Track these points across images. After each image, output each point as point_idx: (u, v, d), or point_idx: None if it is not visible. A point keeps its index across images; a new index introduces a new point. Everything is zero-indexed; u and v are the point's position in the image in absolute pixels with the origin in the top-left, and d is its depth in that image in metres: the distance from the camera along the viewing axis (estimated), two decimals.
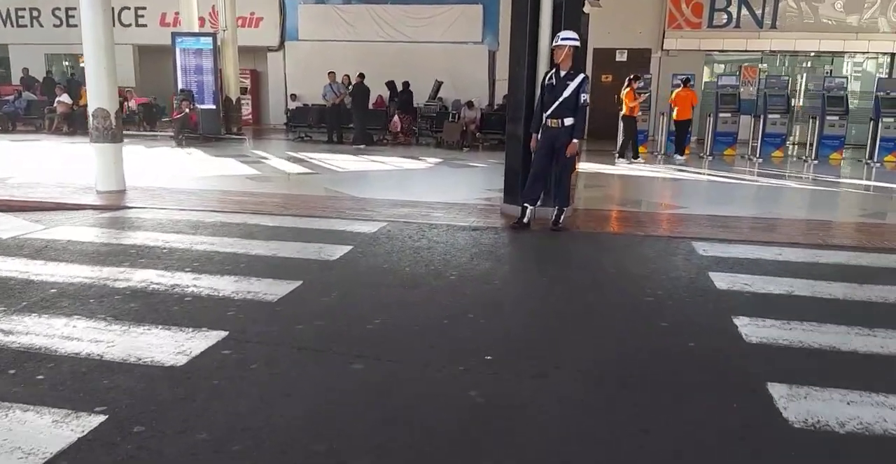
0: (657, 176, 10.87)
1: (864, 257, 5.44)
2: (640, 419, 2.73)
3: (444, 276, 4.70)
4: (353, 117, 14.66)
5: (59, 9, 19.58)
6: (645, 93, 13.65)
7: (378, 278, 4.61)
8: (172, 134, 14.32)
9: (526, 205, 6.32)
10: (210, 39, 14.74)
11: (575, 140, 6.08)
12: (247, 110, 18.47)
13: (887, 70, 16.79)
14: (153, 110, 17.08)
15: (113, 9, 18.43)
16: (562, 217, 6.29)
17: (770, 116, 13.48)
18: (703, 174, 11.25)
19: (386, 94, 16.59)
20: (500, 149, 12.92)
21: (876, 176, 11.41)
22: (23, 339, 3.42)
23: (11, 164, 10.37)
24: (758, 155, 13.24)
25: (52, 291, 4.20)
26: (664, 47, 16.97)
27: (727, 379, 3.13)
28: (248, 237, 5.68)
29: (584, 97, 6.00)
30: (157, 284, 4.35)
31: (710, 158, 13.39)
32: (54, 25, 19.89)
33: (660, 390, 3.00)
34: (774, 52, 17.10)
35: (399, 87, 16.15)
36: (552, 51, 6.19)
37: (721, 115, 13.81)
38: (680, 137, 13.10)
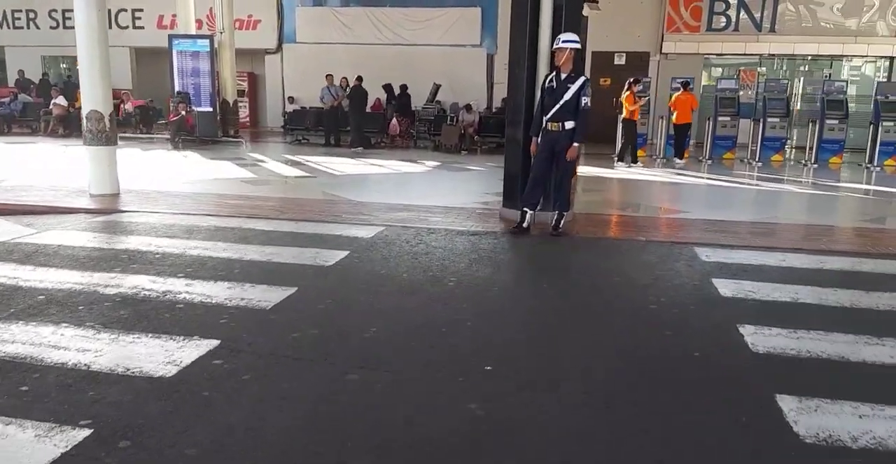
0: (657, 180, 10.79)
1: (869, 264, 5.35)
2: (647, 436, 2.63)
3: (442, 282, 4.61)
4: (350, 120, 14.57)
5: (55, 10, 19.48)
6: (645, 96, 13.57)
7: (375, 285, 4.51)
8: (169, 136, 14.22)
9: (525, 209, 6.23)
10: (207, 42, 14.64)
11: (576, 144, 5.99)
12: (244, 113, 18.34)
13: (886, 74, 16.75)
14: (149, 113, 16.95)
15: (110, 11, 18.50)
16: (562, 222, 6.20)
17: (769, 119, 13.42)
18: (703, 178, 11.17)
19: (383, 97, 16.51)
20: (499, 152, 12.83)
21: (876, 180, 11.33)
22: (8, 348, 3.31)
23: (5, 166, 10.26)
24: (757, 159, 13.18)
25: (41, 297, 4.09)
26: (663, 51, 16.93)
27: (735, 392, 3.03)
28: (242, 242, 5.59)
29: (586, 101, 5.91)
30: (148, 290, 4.25)
31: (710, 161, 13.32)
32: (51, 27, 19.80)
33: (666, 404, 2.91)
34: (773, 55, 17.06)
35: (397, 91, 16.07)
36: (553, 53, 6.10)
37: (720, 118, 13.75)
38: (679, 141, 13.04)
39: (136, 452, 2.41)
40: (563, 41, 5.90)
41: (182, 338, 3.46)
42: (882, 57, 16.63)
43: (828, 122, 13.18)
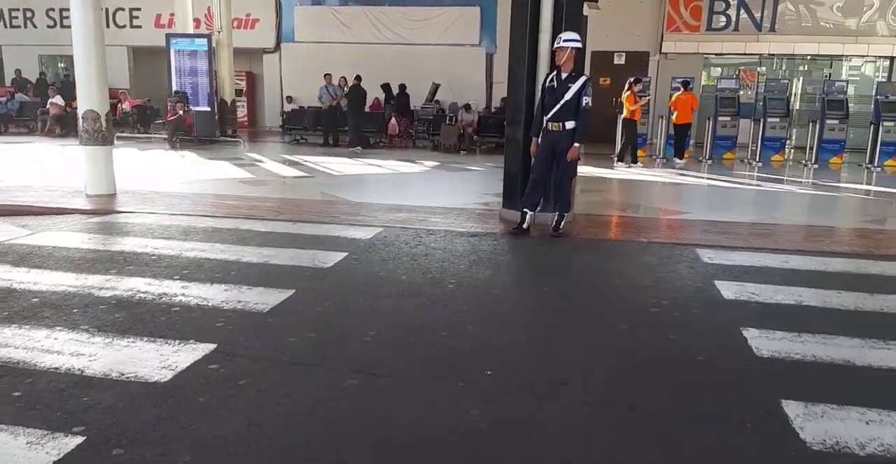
0: (657, 180, 10.74)
1: (874, 266, 5.30)
2: (650, 443, 2.58)
3: (442, 284, 4.55)
4: (348, 120, 14.51)
5: (53, 9, 19.40)
6: (646, 96, 13.52)
7: (373, 287, 4.46)
8: (166, 136, 14.16)
9: (525, 210, 6.18)
10: (205, 41, 14.57)
11: (576, 144, 5.94)
12: (242, 112, 18.29)
13: (886, 73, 16.71)
14: (147, 112, 16.89)
15: (107, 10, 18.45)
16: (562, 223, 6.14)
17: (770, 119, 13.38)
18: (703, 178, 11.12)
19: (382, 96, 16.45)
20: (498, 152, 12.78)
21: (877, 180, 11.29)
22: (1, 352, 3.25)
23: (1, 166, 10.20)
24: (757, 159, 13.14)
25: (35, 300, 4.03)
26: (662, 50, 16.88)
27: (739, 396, 2.97)
28: (239, 243, 5.53)
29: (587, 100, 5.86)
30: (144, 293, 4.19)
31: (710, 161, 13.27)
32: (48, 26, 19.72)
33: (669, 410, 2.85)
34: (773, 55, 17.02)
35: (395, 90, 16.02)
36: (553, 52, 6.05)
37: (720, 118, 13.71)
38: (679, 141, 13.00)
39: (129, 460, 2.36)
40: (565, 40, 5.84)
41: (178, 342, 3.40)
42: (882, 57, 16.58)
43: (828, 122, 13.14)
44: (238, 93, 17.07)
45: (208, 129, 14.49)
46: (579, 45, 5.91)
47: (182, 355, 3.23)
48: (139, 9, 19.07)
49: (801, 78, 16.96)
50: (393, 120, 15.29)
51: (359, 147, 13.99)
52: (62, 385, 2.91)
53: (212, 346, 3.36)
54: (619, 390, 3.02)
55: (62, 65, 20.80)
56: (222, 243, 5.51)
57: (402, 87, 15.87)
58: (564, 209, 6.17)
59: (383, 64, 16.82)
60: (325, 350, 3.39)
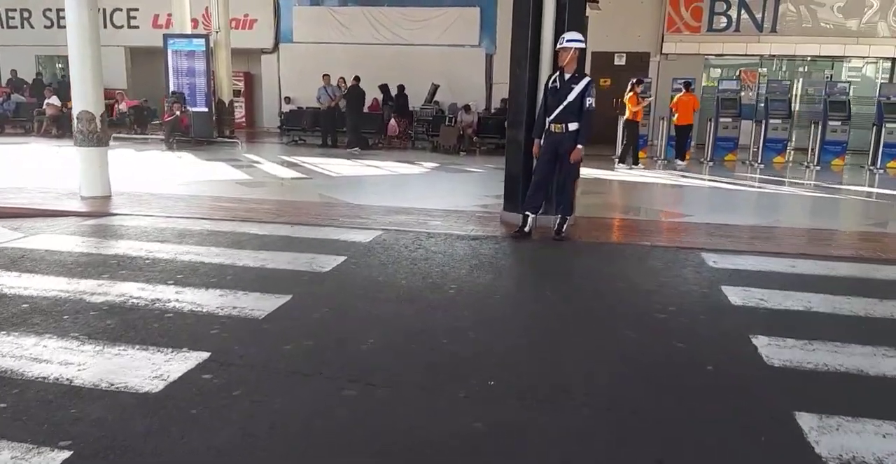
0: (659, 182, 10.65)
1: (881, 270, 5.20)
2: (657, 456, 2.49)
3: (442, 289, 4.45)
4: (346, 121, 14.40)
5: (49, 10, 19.28)
6: (648, 97, 13.43)
7: (372, 292, 4.35)
8: (163, 137, 14.04)
9: (527, 213, 6.08)
10: (202, 41, 14.46)
11: (580, 146, 5.84)
12: (240, 113, 18.18)
13: (887, 75, 16.62)
14: (144, 113, 16.78)
15: (105, 10, 18.36)
16: (564, 226, 6.04)
17: (771, 121, 13.29)
18: (706, 180, 11.03)
19: (380, 97, 16.35)
20: (497, 153, 12.73)
21: (880, 183, 11.21)
22: None
23: None
24: (759, 161, 13.06)
25: (24, 306, 3.93)
26: (663, 51, 16.80)
27: (751, 408, 2.87)
28: (236, 247, 5.42)
29: (590, 102, 5.76)
30: (136, 298, 4.08)
31: (711, 163, 13.18)
32: (45, 26, 19.61)
33: (678, 421, 2.76)
34: (774, 56, 16.94)
35: (394, 91, 15.93)
36: (556, 53, 5.95)
37: (722, 119, 13.62)
38: (680, 142, 12.91)
39: None
40: (568, 40, 5.75)
41: (170, 350, 3.30)
42: (884, 58, 16.50)
43: (830, 123, 13.05)
44: (236, 93, 16.97)
45: (206, 130, 14.38)
46: (583, 45, 5.81)
47: (174, 364, 3.13)
48: (137, 9, 18.97)
49: (801, 79, 16.87)
50: (392, 121, 15.19)
51: (357, 148, 13.89)
52: (50, 396, 2.81)
53: (205, 354, 3.25)
54: (625, 403, 2.91)
55: (60, 65, 20.68)
56: (218, 247, 5.40)
57: (401, 87, 15.78)
58: (567, 212, 6.07)
59: (382, 64, 16.73)
60: (322, 358, 3.28)
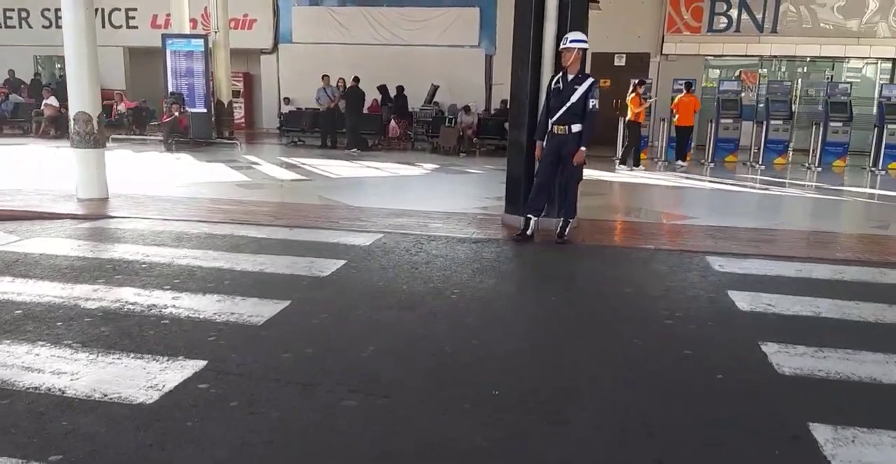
0: (660, 183, 10.57)
1: (889, 274, 5.12)
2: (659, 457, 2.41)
3: (444, 294, 4.37)
4: (346, 122, 14.31)
5: (48, 9, 19.16)
6: (651, 99, 13.35)
7: (373, 298, 4.27)
8: (162, 138, 13.95)
9: (529, 216, 6.00)
10: (201, 41, 14.37)
11: (583, 148, 5.76)
12: (239, 114, 18.08)
13: (888, 76, 16.55)
14: (142, 114, 16.67)
15: (103, 10, 18.26)
16: (567, 229, 5.96)
17: (772, 122, 13.21)
18: (707, 182, 10.96)
19: (379, 98, 16.26)
20: (497, 155, 12.66)
21: (882, 184, 11.14)
22: None
23: None
24: (760, 162, 12.98)
25: (18, 312, 3.84)
26: (663, 51, 16.72)
27: (764, 420, 2.79)
28: (234, 250, 5.34)
29: (593, 103, 5.69)
30: (132, 304, 4.00)
31: (712, 164, 13.11)
32: (43, 26, 19.50)
33: (689, 433, 2.67)
34: (774, 56, 16.87)
35: (393, 92, 15.84)
36: (559, 53, 5.87)
37: (723, 120, 13.54)
38: (681, 143, 12.83)
39: None
40: (571, 41, 5.67)
41: (166, 358, 3.21)
42: (885, 59, 16.42)
43: (832, 124, 12.98)
44: (235, 94, 16.86)
45: (204, 130, 14.28)
46: (586, 45, 5.74)
47: (170, 374, 3.05)
48: (135, 9, 18.86)
49: (801, 80, 16.79)
50: (392, 122, 15.10)
51: (356, 149, 13.81)
52: (41, 407, 2.72)
53: (202, 363, 3.17)
54: (633, 415, 2.83)
55: (58, 66, 20.58)
56: (216, 250, 5.32)
57: (401, 88, 15.69)
58: (570, 215, 5.99)
59: (381, 65, 16.65)
60: (321, 367, 3.20)
